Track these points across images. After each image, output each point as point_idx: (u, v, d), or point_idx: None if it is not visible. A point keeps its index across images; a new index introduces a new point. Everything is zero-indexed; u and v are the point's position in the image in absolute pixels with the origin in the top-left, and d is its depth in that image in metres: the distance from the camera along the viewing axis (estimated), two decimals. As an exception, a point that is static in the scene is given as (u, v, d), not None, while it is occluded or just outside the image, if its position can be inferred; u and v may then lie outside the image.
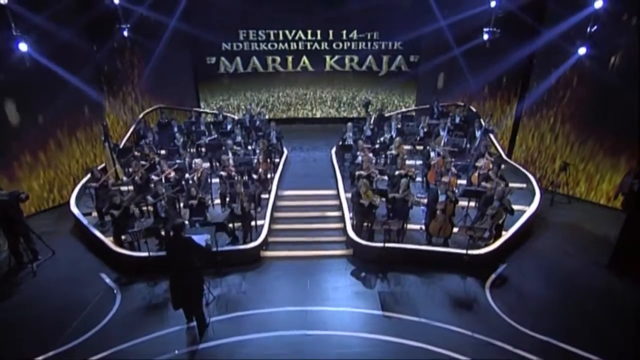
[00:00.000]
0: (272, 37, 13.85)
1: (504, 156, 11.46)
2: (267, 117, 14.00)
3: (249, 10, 13.16)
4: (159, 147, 11.36)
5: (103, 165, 10.32)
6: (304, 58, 14.21)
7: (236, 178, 9.11)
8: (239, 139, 11.17)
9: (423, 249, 8.02)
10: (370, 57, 14.18)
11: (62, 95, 9.89)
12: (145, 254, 7.53)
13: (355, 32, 13.79)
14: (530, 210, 8.86)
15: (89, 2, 10.50)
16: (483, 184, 8.97)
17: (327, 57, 14.21)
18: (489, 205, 7.89)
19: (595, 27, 9.13)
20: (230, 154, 10.09)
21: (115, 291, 7.29)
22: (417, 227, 8.69)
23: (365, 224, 8.32)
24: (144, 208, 8.90)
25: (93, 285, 7.43)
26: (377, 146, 10.87)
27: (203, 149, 11.54)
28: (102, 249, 8.19)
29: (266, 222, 8.66)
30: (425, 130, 11.75)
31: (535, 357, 5.82)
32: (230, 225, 8.22)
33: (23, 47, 8.29)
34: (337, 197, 9.66)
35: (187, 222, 8.02)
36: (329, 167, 11.28)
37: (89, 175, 9.80)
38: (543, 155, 11.26)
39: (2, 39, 8.19)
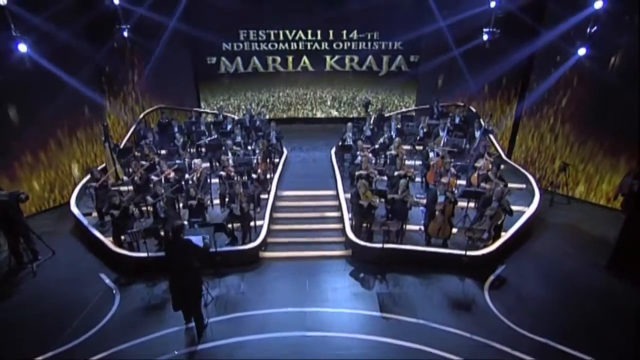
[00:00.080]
0: (272, 37, 13.88)
1: (503, 156, 11.46)
2: (267, 117, 14.02)
3: (249, 11, 13.17)
4: (158, 147, 11.38)
5: (103, 165, 10.35)
6: (304, 58, 14.23)
7: (235, 178, 9.11)
8: (238, 139, 11.19)
9: (422, 249, 8.01)
10: (370, 57, 14.19)
11: (62, 95, 9.89)
12: (144, 254, 7.55)
13: (355, 32, 13.80)
14: (529, 211, 8.85)
15: (89, 2, 10.51)
16: (482, 184, 8.96)
17: (328, 57, 14.22)
18: (488, 206, 7.89)
19: (595, 28, 9.11)
20: (229, 154, 10.10)
21: (114, 291, 7.31)
22: (417, 227, 8.69)
23: (364, 224, 8.32)
24: (144, 208, 8.91)
25: (92, 285, 7.45)
26: (376, 146, 10.86)
27: (203, 149, 11.55)
28: (101, 249, 8.21)
29: (265, 223, 8.67)
30: (425, 130, 11.74)
31: (533, 359, 5.81)
32: (230, 225, 8.23)
33: (23, 48, 8.31)
34: (337, 197, 9.66)
35: (186, 222, 8.04)
36: (329, 168, 11.29)
37: (88, 176, 9.82)
38: (543, 155, 11.25)
39: (1, 39, 8.21)
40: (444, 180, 8.91)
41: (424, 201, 8.65)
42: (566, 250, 8.37)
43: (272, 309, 6.78)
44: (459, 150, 10.45)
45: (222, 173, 9.34)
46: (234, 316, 6.67)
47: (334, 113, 15.20)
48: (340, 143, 11.44)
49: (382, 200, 8.63)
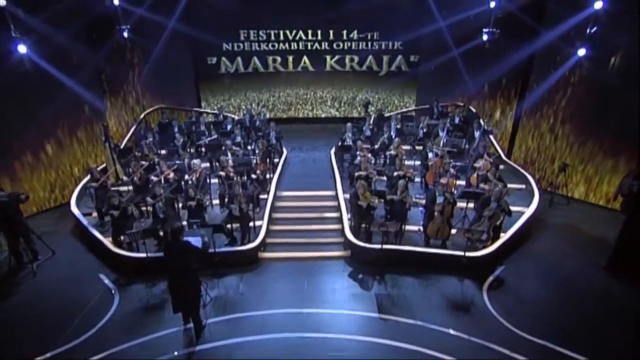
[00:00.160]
0: (272, 37, 13.87)
1: (503, 157, 11.44)
2: (267, 116, 14.02)
3: (250, 11, 13.16)
4: (158, 147, 11.39)
5: (103, 165, 10.37)
6: (305, 58, 14.22)
7: (235, 179, 9.12)
8: (238, 139, 11.19)
9: (421, 250, 8.01)
10: (370, 57, 14.16)
11: (62, 95, 9.91)
12: (143, 254, 7.56)
13: (355, 32, 13.78)
14: (529, 211, 8.84)
15: (89, 3, 10.51)
16: (481, 185, 8.95)
17: (328, 57, 14.21)
18: (487, 207, 7.88)
19: (595, 28, 9.09)
20: (229, 155, 10.11)
21: (113, 292, 7.33)
22: (416, 228, 8.68)
23: (363, 225, 8.32)
24: (143, 209, 8.93)
25: (92, 285, 7.48)
26: (376, 147, 10.86)
27: (203, 149, 11.56)
28: (101, 249, 8.23)
29: (264, 223, 8.69)
30: (425, 130, 11.73)
31: (531, 361, 5.82)
32: (229, 226, 8.24)
33: (22, 48, 8.33)
34: (336, 198, 9.66)
35: (185, 223, 8.05)
36: (328, 168, 11.28)
37: (88, 176, 9.83)
38: (542, 156, 11.24)
39: (1, 40, 8.22)
40: (443, 180, 8.90)
41: (423, 202, 8.64)
42: (565, 251, 8.36)
43: (270, 310, 6.79)
44: (458, 151, 10.44)
45: (222, 173, 9.34)
46: (232, 317, 6.68)
47: (334, 113, 15.18)
48: (339, 143, 11.43)
49: (381, 200, 8.62)
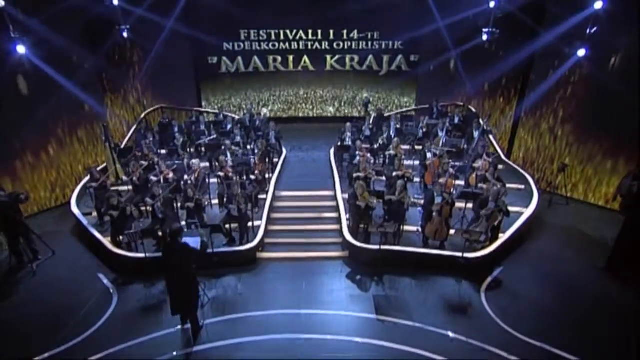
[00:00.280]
0: (273, 37, 13.87)
1: (502, 157, 11.42)
2: (267, 116, 14.02)
3: (250, 10, 13.15)
4: (158, 147, 11.41)
5: (103, 165, 10.40)
6: (305, 58, 14.22)
7: (234, 179, 9.13)
8: (238, 139, 11.20)
9: (419, 251, 8.00)
10: (370, 56, 14.15)
11: (62, 95, 9.93)
12: (142, 255, 7.59)
13: (355, 31, 13.76)
14: (527, 212, 8.82)
15: (89, 3, 10.51)
16: (480, 185, 8.94)
17: (328, 57, 14.20)
18: (485, 207, 7.87)
19: (595, 29, 9.06)
20: (228, 155, 10.12)
21: (112, 292, 7.36)
22: (414, 229, 8.67)
23: (361, 225, 8.32)
24: (143, 209, 8.95)
25: (91, 285, 7.51)
26: (375, 147, 10.85)
27: (203, 149, 11.58)
28: (100, 249, 8.26)
29: (263, 223, 8.69)
30: (424, 130, 11.71)
31: (529, 363, 5.82)
32: (227, 226, 8.25)
33: (21, 49, 8.35)
34: (335, 198, 9.67)
35: (184, 223, 8.07)
36: (328, 168, 11.27)
37: (88, 176, 9.86)
38: (542, 156, 11.22)
39: (0, 41, 8.25)
40: (442, 181, 8.88)
41: (422, 202, 8.64)
42: (564, 251, 8.34)
43: (268, 311, 6.81)
44: (457, 151, 10.42)
45: (221, 173, 9.36)
46: (230, 317, 6.70)
47: (334, 112, 15.18)
48: (339, 143, 11.43)
49: (380, 201, 8.62)
